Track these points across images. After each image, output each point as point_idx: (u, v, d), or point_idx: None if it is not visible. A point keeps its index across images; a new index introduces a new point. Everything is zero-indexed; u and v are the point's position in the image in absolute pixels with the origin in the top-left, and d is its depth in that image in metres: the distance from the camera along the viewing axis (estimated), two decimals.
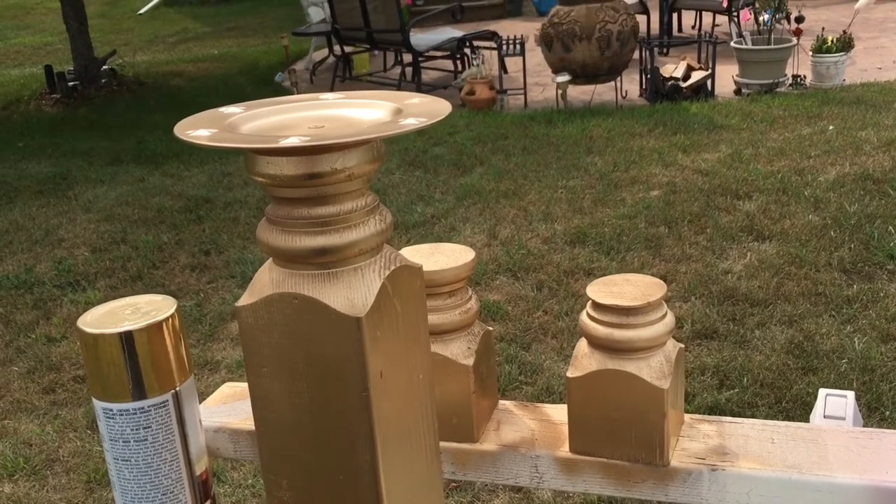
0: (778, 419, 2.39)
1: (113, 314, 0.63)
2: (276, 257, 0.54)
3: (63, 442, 2.60)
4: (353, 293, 0.52)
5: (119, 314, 0.63)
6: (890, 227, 3.53)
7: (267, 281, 0.54)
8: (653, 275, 3.41)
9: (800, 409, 2.44)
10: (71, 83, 7.73)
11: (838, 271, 3.23)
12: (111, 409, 0.62)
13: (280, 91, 7.51)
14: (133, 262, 3.89)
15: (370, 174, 0.52)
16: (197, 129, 0.50)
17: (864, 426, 2.26)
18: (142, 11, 13.94)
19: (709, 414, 2.44)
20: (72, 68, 7.92)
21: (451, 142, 5.37)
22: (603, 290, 0.77)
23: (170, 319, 0.63)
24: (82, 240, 4.23)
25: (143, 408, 0.62)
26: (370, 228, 0.52)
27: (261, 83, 7.93)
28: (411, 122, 0.49)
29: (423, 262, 0.79)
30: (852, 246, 3.40)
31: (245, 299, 0.54)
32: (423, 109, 0.52)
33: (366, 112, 0.54)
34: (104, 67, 8.04)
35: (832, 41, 5.87)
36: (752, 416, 2.42)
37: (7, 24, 13.50)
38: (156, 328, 0.62)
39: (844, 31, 5.92)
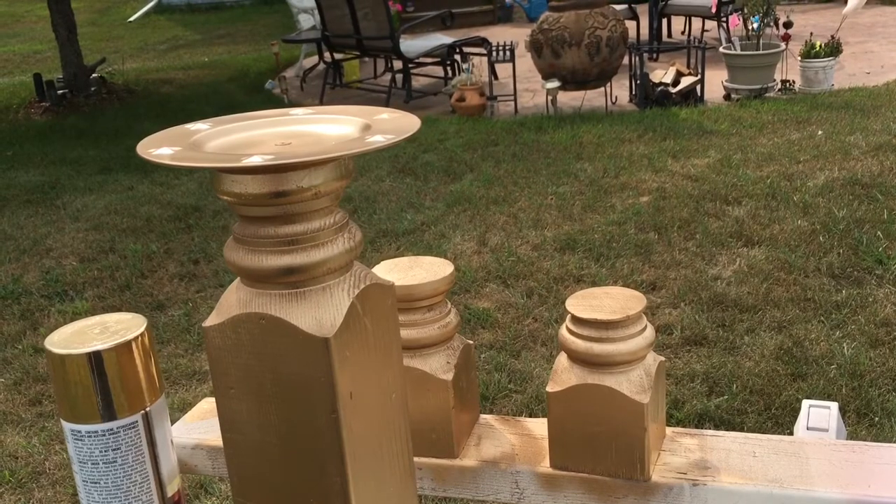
0: (767, 426, 2.39)
1: (81, 334, 0.62)
2: (244, 276, 0.53)
3: (49, 454, 2.58)
4: (321, 313, 0.51)
5: (87, 333, 0.62)
6: (878, 232, 3.53)
7: (234, 301, 0.53)
8: (642, 281, 3.42)
9: (789, 416, 2.43)
10: (60, 91, 7.70)
11: (827, 276, 3.24)
12: (79, 431, 0.61)
13: (271, 98, 7.51)
14: (121, 272, 3.87)
15: (338, 192, 0.51)
16: (160, 148, 0.49)
17: (852, 433, 2.26)
18: (132, 19, 13.92)
19: (698, 422, 2.43)
20: (61, 76, 7.89)
21: (442, 148, 5.37)
22: (582, 303, 0.76)
23: (139, 338, 0.62)
24: (70, 249, 4.21)
25: (112, 429, 0.61)
26: (339, 247, 0.52)
27: (251, 90, 7.92)
28: (378, 140, 0.48)
29: (401, 276, 0.79)
30: (841, 251, 3.41)
31: (212, 319, 0.53)
32: (391, 126, 0.51)
33: (334, 128, 0.53)
34: (93, 75, 8.02)
35: (820, 46, 5.90)
36: (742, 424, 2.41)
37: None
38: (125, 347, 0.61)
39: (833, 36, 5.95)
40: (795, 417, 2.28)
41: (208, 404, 0.95)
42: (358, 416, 0.53)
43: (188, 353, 3.12)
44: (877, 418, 2.40)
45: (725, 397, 2.55)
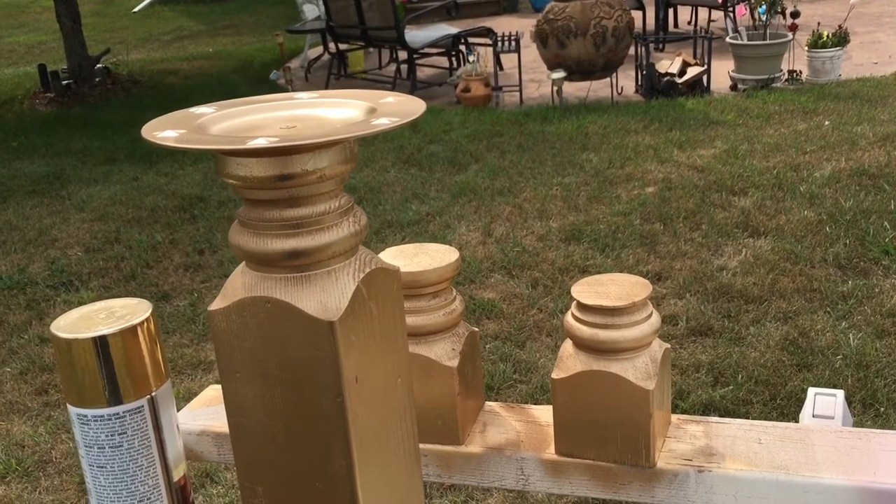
0: (772, 416, 2.39)
1: (87, 318, 0.62)
2: (249, 260, 0.53)
3: (56, 443, 2.59)
4: (326, 296, 0.51)
5: (93, 318, 0.62)
6: (885, 223, 3.52)
7: (239, 284, 0.53)
8: (648, 272, 3.41)
9: (794, 406, 2.43)
10: (65, 82, 7.70)
11: (833, 267, 3.23)
12: (86, 416, 0.61)
13: (276, 89, 7.50)
14: (127, 262, 3.88)
15: (343, 175, 0.51)
16: (165, 130, 0.49)
17: (857, 424, 2.26)
18: (136, 9, 13.91)
19: (703, 412, 2.43)
20: (66, 67, 7.89)
21: (447, 139, 5.36)
22: (588, 290, 0.76)
23: (145, 323, 0.62)
24: (76, 239, 4.22)
25: (118, 413, 0.61)
26: (344, 230, 0.51)
27: (256, 81, 7.91)
28: (383, 122, 0.48)
29: (406, 263, 0.79)
30: (847, 242, 3.40)
31: (218, 303, 0.53)
32: (396, 109, 0.51)
33: (339, 112, 0.53)
34: (98, 66, 8.01)
35: (828, 36, 5.87)
36: (747, 414, 2.41)
37: (1, 23, 13.46)
38: (130, 332, 0.61)
39: (840, 26, 5.91)
40: (801, 408, 2.28)
41: (214, 391, 0.95)
42: (363, 400, 0.53)
43: (193, 343, 3.13)
44: (882, 408, 2.39)
45: (731, 387, 2.55)
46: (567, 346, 0.77)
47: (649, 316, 0.74)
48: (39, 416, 2.74)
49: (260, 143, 0.45)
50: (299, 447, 0.53)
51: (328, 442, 0.52)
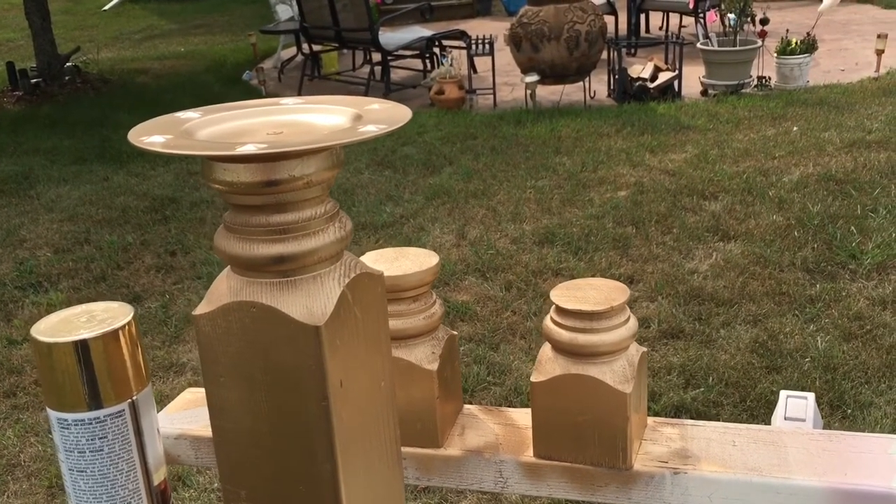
0: (743, 418, 2.42)
1: (68, 322, 0.62)
2: (235, 265, 0.53)
3: (24, 447, 2.55)
4: (312, 301, 0.51)
5: (74, 322, 0.62)
6: (852, 227, 3.59)
7: (225, 289, 0.53)
8: (620, 275, 3.43)
9: (764, 408, 2.47)
10: (33, 80, 7.59)
11: (802, 271, 3.28)
12: (66, 420, 0.61)
13: (248, 89, 7.45)
14: (97, 263, 3.83)
15: (329, 181, 0.51)
16: (151, 136, 0.49)
17: (825, 425, 2.30)
18: (107, 7, 13.74)
19: (675, 413, 2.46)
20: (34, 65, 7.78)
21: (421, 141, 5.36)
22: (566, 294, 0.77)
23: (126, 327, 0.62)
24: (45, 240, 4.16)
25: (98, 417, 0.61)
26: (329, 236, 0.52)
27: (228, 81, 7.86)
28: (371, 129, 0.49)
29: (387, 267, 0.79)
30: (815, 246, 3.45)
31: (203, 307, 0.54)
32: (383, 116, 0.52)
33: (325, 118, 0.53)
34: (68, 64, 7.91)
35: (796, 43, 5.96)
36: (718, 415, 2.44)
37: None
38: (111, 336, 0.61)
39: (808, 33, 6.01)
40: (770, 410, 2.32)
41: (191, 394, 0.95)
42: (348, 403, 0.53)
43: (165, 346, 3.10)
44: (849, 410, 2.44)
45: (702, 390, 2.58)
46: (546, 350, 0.78)
47: (627, 320, 0.75)
48: (7, 420, 2.70)
49: (249, 149, 0.46)
50: (283, 451, 0.54)
51: (313, 445, 0.53)
